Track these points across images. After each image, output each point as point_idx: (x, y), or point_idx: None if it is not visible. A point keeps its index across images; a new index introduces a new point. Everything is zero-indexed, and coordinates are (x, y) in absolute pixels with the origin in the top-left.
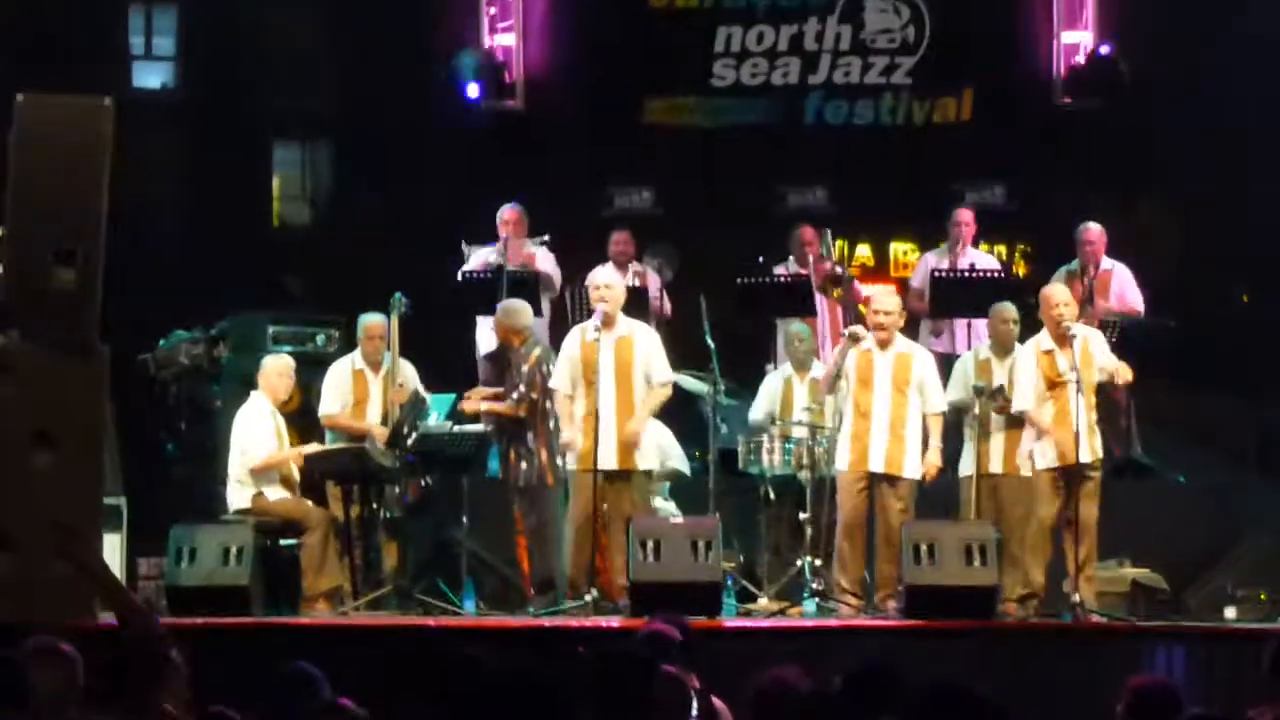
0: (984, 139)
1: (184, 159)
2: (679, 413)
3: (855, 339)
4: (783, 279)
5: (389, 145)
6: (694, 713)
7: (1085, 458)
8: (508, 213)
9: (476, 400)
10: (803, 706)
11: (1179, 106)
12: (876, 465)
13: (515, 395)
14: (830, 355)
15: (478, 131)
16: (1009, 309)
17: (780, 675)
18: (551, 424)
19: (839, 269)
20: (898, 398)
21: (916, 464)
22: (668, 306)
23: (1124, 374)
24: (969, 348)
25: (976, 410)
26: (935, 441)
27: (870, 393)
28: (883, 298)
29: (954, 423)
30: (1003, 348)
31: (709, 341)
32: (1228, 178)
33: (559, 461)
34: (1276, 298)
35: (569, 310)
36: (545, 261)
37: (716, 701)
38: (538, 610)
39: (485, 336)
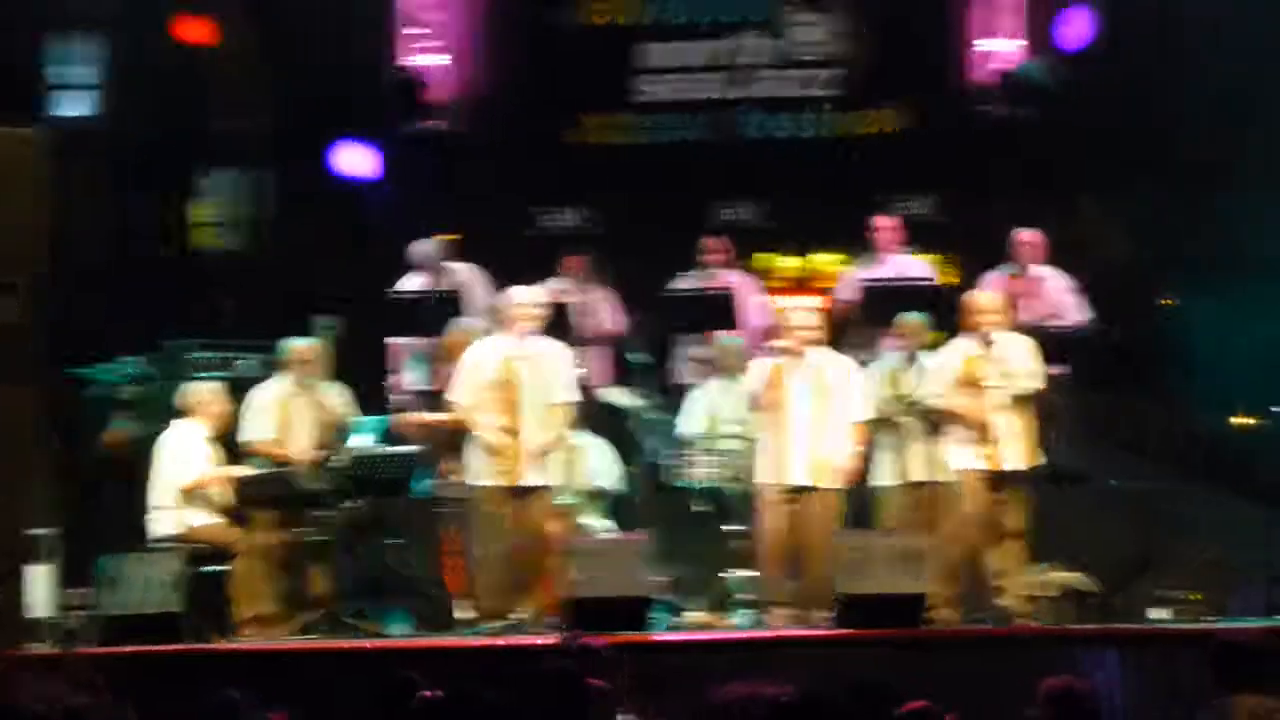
0: (913, 150)
1: (109, 187)
2: (607, 428)
3: (781, 351)
4: (707, 291)
5: (316, 169)
6: None
7: (1006, 464)
8: (424, 250)
9: (416, 418)
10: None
11: (1109, 113)
12: (798, 477)
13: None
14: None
15: (405, 152)
16: (912, 319)
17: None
18: None
19: None
20: (818, 409)
21: (839, 474)
22: (613, 322)
23: (1026, 385)
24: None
25: (904, 419)
26: (854, 448)
27: (790, 404)
28: (800, 311)
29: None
30: (909, 357)
31: (637, 356)
32: (1160, 185)
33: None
34: (1207, 304)
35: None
36: (475, 282)
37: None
38: (469, 630)
39: (406, 367)
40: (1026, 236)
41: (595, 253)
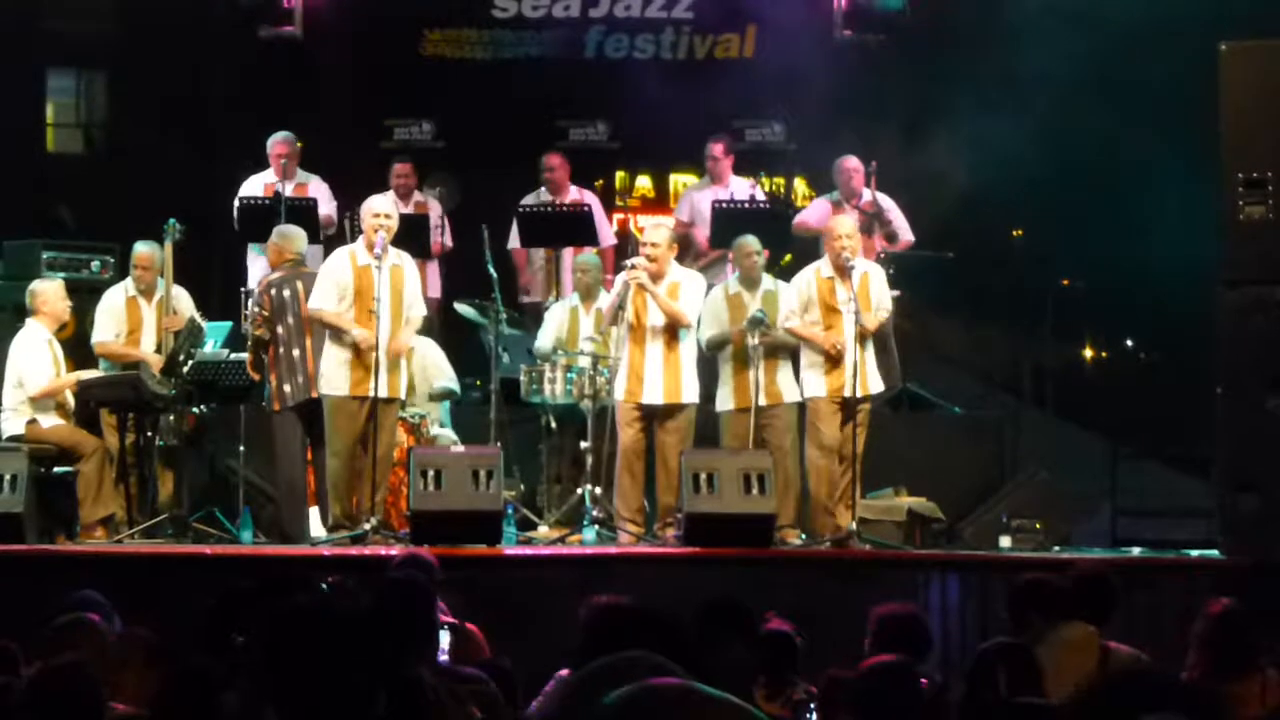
0: (765, 74)
1: None
2: (461, 342)
3: (636, 269)
4: (567, 208)
5: (165, 72)
6: (445, 644)
7: (856, 391)
8: (279, 145)
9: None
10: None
11: (958, 41)
12: (652, 396)
13: (249, 314)
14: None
15: (255, 59)
16: (752, 242)
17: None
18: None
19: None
20: (671, 328)
21: (694, 391)
22: (449, 238)
23: (879, 318)
24: None
25: (753, 341)
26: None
27: (645, 324)
28: (651, 230)
29: (709, 358)
30: (751, 280)
31: (491, 271)
32: (1007, 113)
33: (286, 389)
34: (1050, 236)
35: (347, 238)
36: (319, 192)
37: (470, 627)
38: (317, 540)
39: (256, 267)
40: (851, 164)
41: (443, 166)
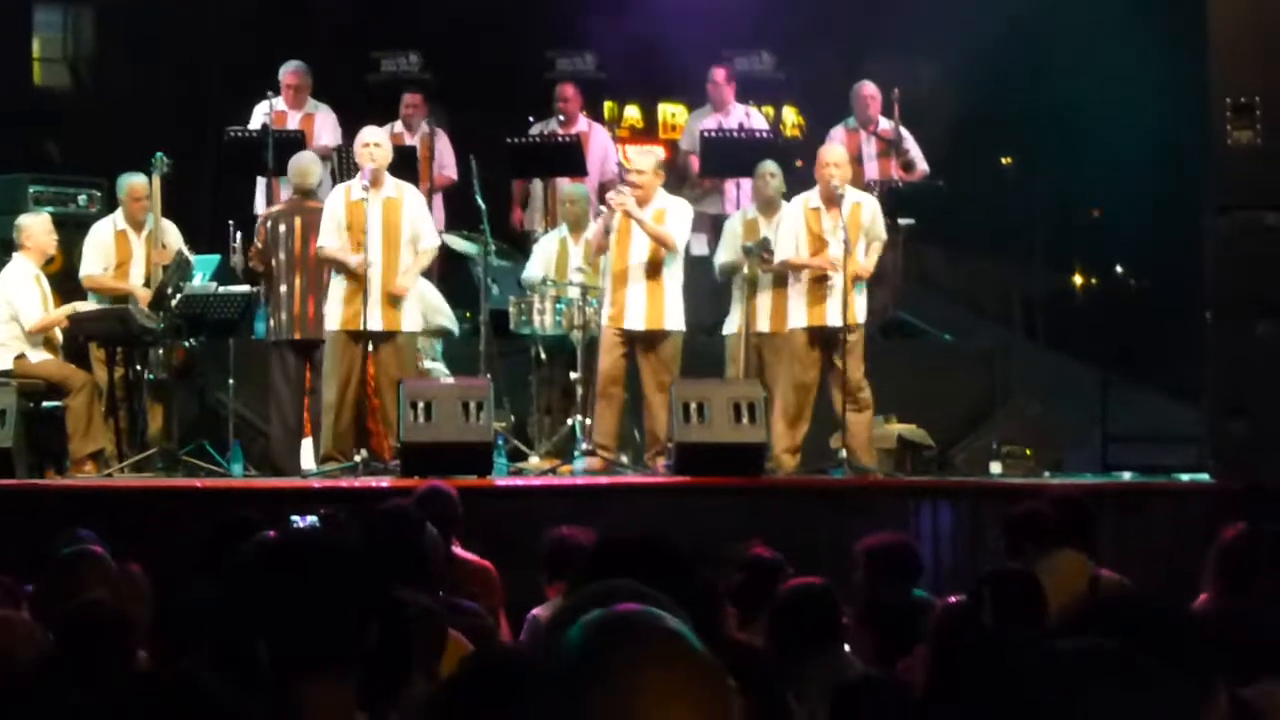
0: (751, 2)
1: None
2: (450, 274)
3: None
4: (555, 138)
5: (151, 6)
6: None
7: (838, 321)
8: (290, 75)
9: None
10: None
11: None
12: (634, 322)
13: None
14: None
15: None
16: (770, 167)
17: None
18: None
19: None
20: (655, 254)
21: (679, 319)
22: (453, 170)
23: (873, 257)
24: (738, 208)
25: (745, 270)
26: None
27: (629, 250)
28: (637, 157)
29: (723, 283)
30: (768, 206)
31: (480, 202)
32: (995, 36)
33: (272, 323)
34: (1043, 164)
35: (337, 172)
36: (325, 123)
37: (475, 558)
38: (308, 472)
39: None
40: (869, 90)
41: (434, 98)
